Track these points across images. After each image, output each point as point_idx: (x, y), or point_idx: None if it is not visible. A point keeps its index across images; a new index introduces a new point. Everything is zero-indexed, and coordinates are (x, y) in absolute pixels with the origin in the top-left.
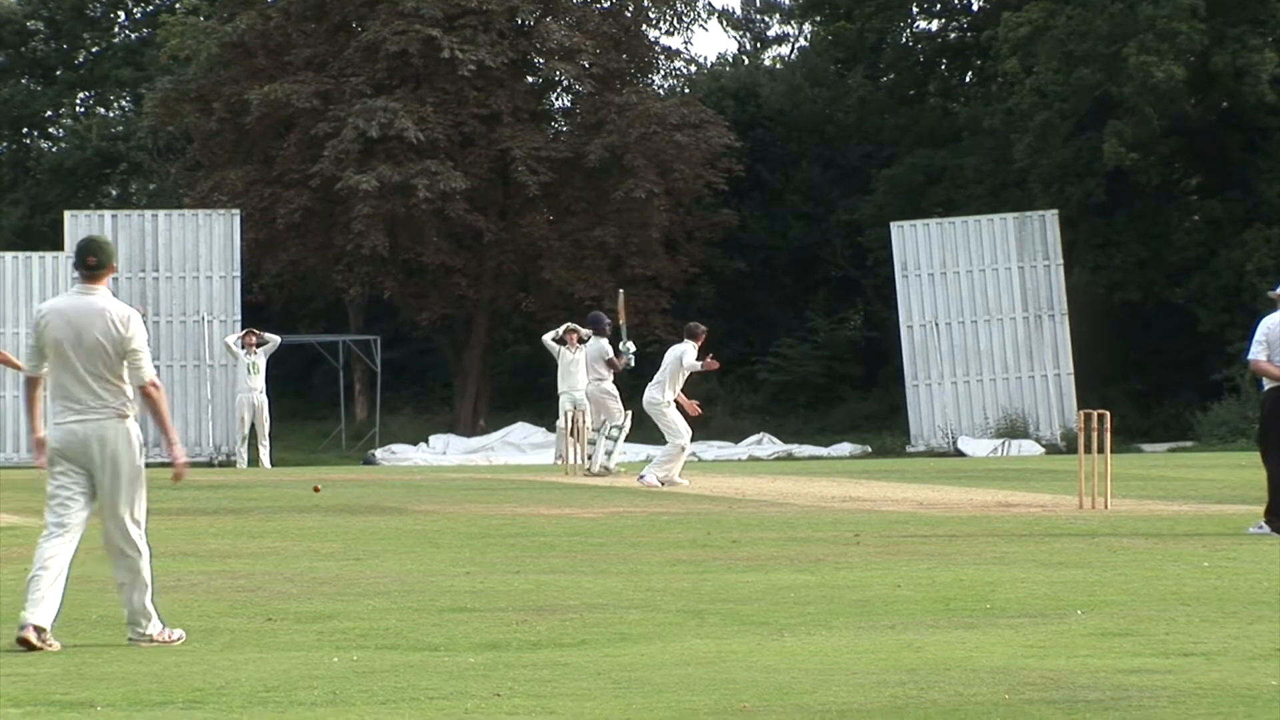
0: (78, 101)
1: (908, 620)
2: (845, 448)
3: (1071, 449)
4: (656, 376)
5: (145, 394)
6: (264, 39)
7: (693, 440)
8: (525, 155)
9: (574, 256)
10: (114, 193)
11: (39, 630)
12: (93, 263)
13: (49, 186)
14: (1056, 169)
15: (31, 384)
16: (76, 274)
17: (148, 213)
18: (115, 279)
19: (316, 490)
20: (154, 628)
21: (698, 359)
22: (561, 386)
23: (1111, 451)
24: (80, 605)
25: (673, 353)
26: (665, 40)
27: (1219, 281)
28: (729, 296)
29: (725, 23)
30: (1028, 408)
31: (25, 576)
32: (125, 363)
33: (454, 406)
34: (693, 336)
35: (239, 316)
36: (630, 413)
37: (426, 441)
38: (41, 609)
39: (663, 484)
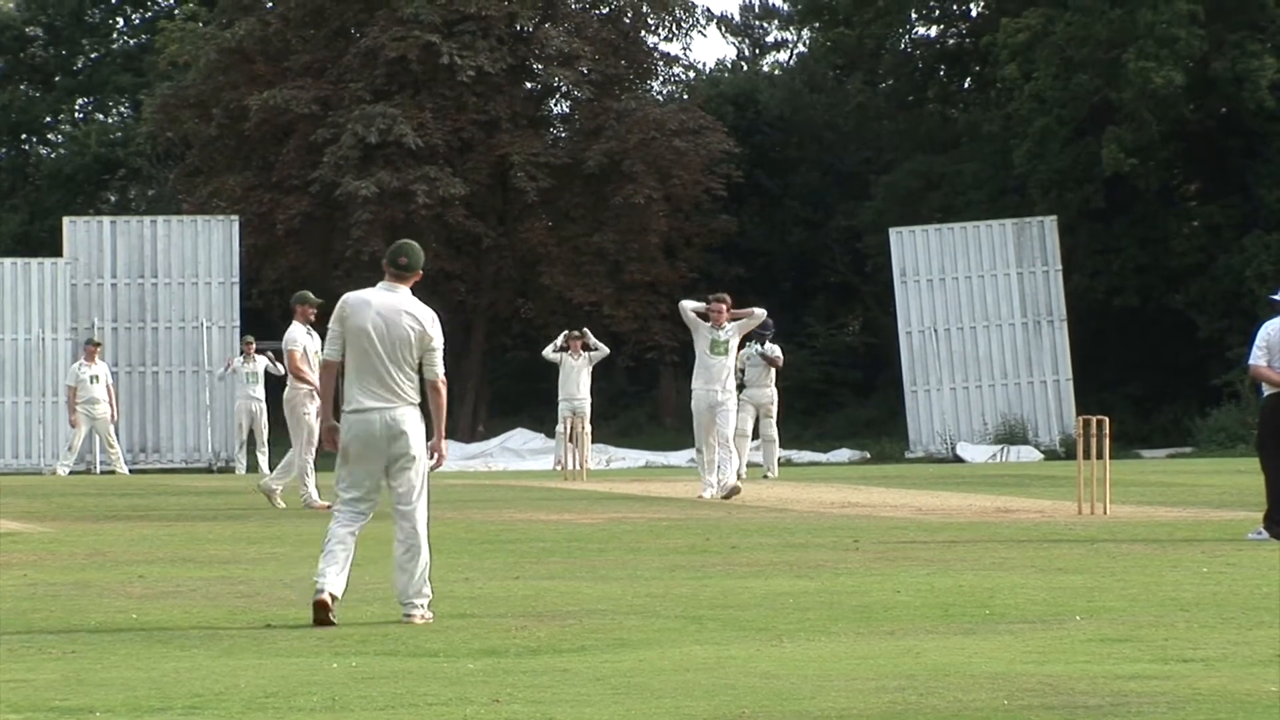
0: (77, 107)
1: (907, 626)
2: (844, 453)
3: (1070, 455)
4: None
5: (433, 387)
6: (263, 45)
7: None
8: (524, 161)
9: (573, 262)
10: (113, 199)
11: (334, 597)
12: (404, 263)
13: (48, 193)
14: (1055, 175)
15: (330, 369)
16: (387, 272)
17: (147, 219)
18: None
19: None
20: (419, 607)
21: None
22: (562, 394)
23: (1110, 457)
24: (79, 611)
25: None
26: (664, 46)
27: (1218, 287)
28: None
29: (724, 29)
30: (1027, 413)
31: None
32: (422, 358)
33: (453, 412)
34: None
35: (238, 323)
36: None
37: None
38: (336, 579)
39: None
